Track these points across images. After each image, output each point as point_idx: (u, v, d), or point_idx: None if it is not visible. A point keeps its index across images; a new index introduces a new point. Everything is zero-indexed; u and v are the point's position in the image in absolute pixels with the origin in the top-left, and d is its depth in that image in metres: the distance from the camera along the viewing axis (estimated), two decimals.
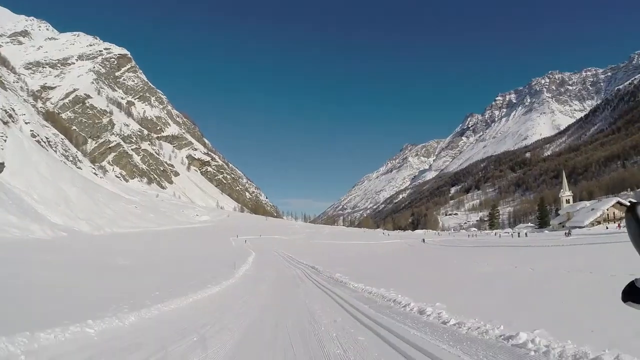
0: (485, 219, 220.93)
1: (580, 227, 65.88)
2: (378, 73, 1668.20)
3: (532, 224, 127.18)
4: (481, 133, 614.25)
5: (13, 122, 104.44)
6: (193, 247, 53.93)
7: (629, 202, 1.06)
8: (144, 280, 19.03)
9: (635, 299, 0.98)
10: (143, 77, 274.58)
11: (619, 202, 78.87)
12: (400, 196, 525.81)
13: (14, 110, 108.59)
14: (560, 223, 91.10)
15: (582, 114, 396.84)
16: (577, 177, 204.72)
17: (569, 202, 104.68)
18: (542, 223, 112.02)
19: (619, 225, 64.16)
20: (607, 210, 76.88)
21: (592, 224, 68.32)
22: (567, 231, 58.02)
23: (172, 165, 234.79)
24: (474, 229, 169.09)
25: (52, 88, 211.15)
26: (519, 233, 79.51)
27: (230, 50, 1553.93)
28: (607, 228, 64.33)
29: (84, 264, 24.80)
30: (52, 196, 78.52)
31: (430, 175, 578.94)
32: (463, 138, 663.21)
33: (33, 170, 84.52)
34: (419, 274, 21.60)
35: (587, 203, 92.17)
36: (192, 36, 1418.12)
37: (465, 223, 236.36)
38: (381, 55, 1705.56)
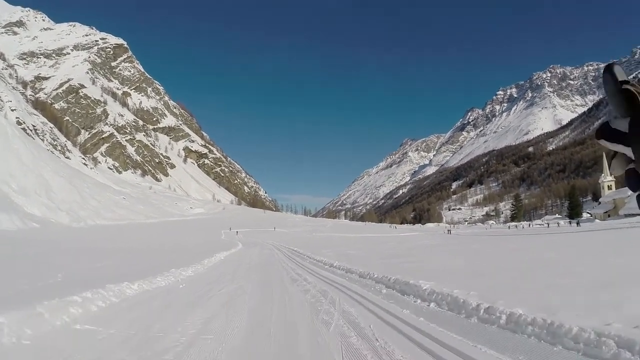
0: (492, 213, 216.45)
1: None
2: (377, 68, 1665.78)
3: (558, 215, 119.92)
4: (482, 128, 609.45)
5: None
6: (163, 239, 46.14)
7: (607, 65, 1.22)
8: None
9: (607, 137, 1.13)
10: (140, 67, 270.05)
11: None
12: (401, 191, 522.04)
13: None
14: (606, 212, 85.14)
15: (583, 109, 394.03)
16: (585, 170, 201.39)
17: (610, 189, 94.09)
18: (574, 214, 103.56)
19: None
20: None
21: None
22: None
23: (168, 157, 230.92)
24: (492, 221, 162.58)
25: (46, 78, 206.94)
26: (572, 222, 71.83)
27: (231, 44, 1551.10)
28: None
29: None
30: (32, 185, 74.82)
31: (430, 170, 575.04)
32: (464, 133, 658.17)
33: (14, 158, 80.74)
34: None
35: None
36: (191, 27, 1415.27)
37: (471, 217, 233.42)
38: (381, 50, 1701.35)
